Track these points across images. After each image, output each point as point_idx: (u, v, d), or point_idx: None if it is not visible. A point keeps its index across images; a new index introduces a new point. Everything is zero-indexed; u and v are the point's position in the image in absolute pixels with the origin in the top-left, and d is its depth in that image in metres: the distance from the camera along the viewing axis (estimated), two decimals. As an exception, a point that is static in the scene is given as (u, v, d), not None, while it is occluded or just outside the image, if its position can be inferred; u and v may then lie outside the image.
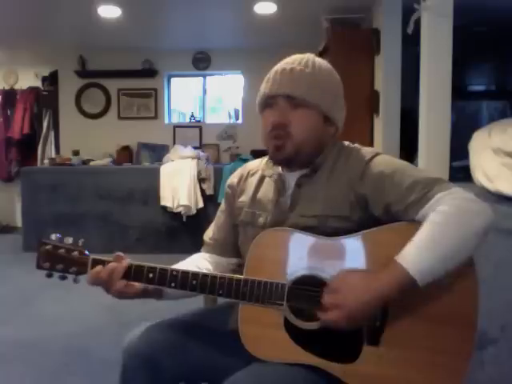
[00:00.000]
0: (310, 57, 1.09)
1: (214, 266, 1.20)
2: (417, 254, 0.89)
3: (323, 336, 0.94)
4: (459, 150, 2.27)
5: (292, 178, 1.10)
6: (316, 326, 0.95)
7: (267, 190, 1.14)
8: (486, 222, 0.92)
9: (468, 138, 2.07)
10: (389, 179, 1.00)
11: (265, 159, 1.20)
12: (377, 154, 1.06)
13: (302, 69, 1.05)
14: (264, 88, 1.08)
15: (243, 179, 1.22)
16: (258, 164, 1.22)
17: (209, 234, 1.25)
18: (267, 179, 1.16)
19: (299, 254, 1.00)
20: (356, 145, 1.12)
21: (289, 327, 0.96)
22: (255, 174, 1.20)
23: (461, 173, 2.27)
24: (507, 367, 1.50)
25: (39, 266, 1.03)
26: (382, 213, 1.00)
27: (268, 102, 1.07)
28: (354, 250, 0.98)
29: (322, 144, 1.09)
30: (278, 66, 1.08)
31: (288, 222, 1.06)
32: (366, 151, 1.08)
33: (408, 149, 3.28)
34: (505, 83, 4.56)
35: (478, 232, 0.92)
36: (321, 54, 4.37)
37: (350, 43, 3.87)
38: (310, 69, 1.06)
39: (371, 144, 3.87)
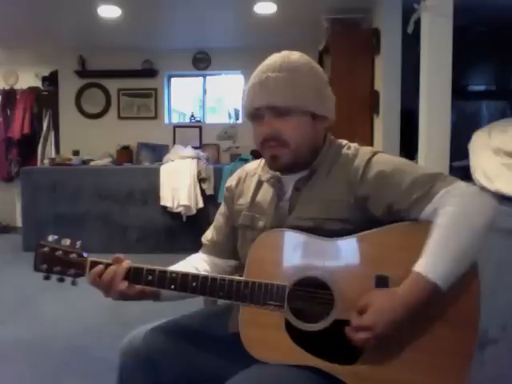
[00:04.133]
0: (284, 57, 1.05)
1: (212, 267, 1.20)
2: (432, 260, 0.89)
3: (324, 337, 0.94)
4: (459, 150, 2.27)
5: (290, 181, 1.10)
6: (317, 328, 0.95)
7: (266, 193, 1.13)
8: (492, 212, 0.94)
9: (468, 138, 2.07)
10: (389, 179, 0.99)
11: (263, 161, 1.18)
12: (375, 154, 1.05)
13: (277, 75, 1.01)
14: (246, 102, 1.07)
15: (241, 181, 1.21)
16: (256, 166, 1.21)
17: (207, 236, 1.25)
18: (265, 183, 1.15)
19: (300, 256, 0.99)
20: (354, 144, 1.11)
21: (290, 329, 0.96)
22: (253, 177, 1.19)
23: (461, 173, 2.26)
24: (507, 367, 1.49)
25: (37, 269, 1.02)
26: (383, 213, 1.00)
27: (254, 114, 1.06)
28: (354, 251, 0.98)
29: (317, 141, 1.08)
30: (255, 77, 1.05)
31: (286, 225, 1.05)
32: (364, 151, 1.07)
33: (408, 149, 3.28)
34: (505, 83, 4.55)
35: (486, 224, 0.93)
36: (321, 54, 4.38)
37: (350, 43, 3.87)
38: (286, 72, 1.02)
39: (371, 144, 3.87)
